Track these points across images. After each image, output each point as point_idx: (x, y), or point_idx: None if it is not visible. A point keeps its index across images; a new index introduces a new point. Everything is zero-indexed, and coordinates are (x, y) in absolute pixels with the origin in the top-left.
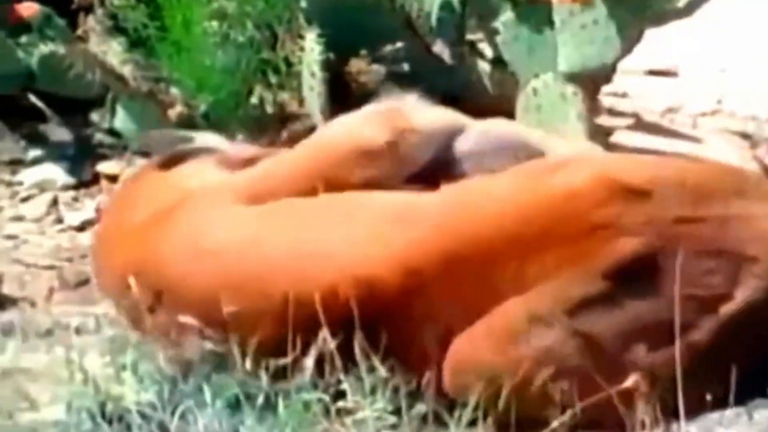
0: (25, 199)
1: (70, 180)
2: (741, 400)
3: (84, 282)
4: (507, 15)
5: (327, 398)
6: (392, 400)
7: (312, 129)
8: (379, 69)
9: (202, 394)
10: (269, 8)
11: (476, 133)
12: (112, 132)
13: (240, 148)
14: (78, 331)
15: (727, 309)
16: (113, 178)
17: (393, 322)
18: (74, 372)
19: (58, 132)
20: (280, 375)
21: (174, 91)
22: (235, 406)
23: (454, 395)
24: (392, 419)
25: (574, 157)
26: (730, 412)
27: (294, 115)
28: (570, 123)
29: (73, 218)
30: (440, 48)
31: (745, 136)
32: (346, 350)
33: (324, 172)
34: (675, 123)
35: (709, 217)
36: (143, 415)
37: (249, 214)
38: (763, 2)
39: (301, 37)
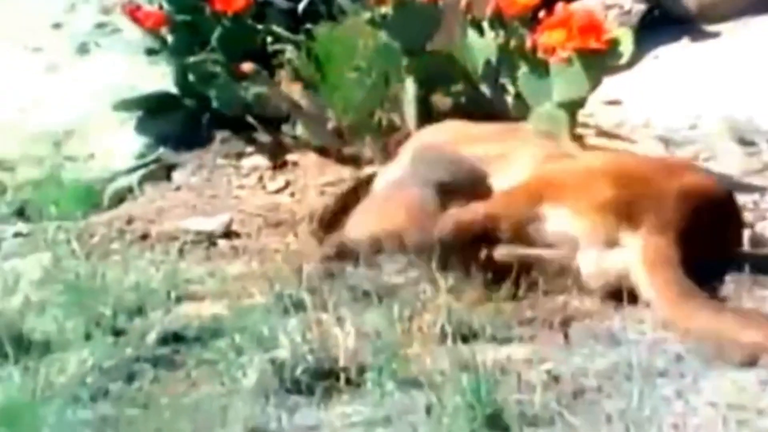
0: (245, 176)
1: (270, 164)
2: None
3: (279, 223)
4: (523, 68)
5: None
6: None
7: (408, 135)
8: (448, 100)
9: None
10: (385, 64)
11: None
12: (294, 137)
13: None
14: None
15: None
16: (294, 164)
17: None
18: None
19: (263, 137)
20: None
21: (330, 113)
22: None
23: None
24: None
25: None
26: None
27: (398, 127)
28: (561, 132)
29: (271, 187)
30: (484, 88)
31: (666, 141)
32: None
33: None
34: (621, 132)
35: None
36: None
37: None
38: (682, 56)
39: (402, 81)
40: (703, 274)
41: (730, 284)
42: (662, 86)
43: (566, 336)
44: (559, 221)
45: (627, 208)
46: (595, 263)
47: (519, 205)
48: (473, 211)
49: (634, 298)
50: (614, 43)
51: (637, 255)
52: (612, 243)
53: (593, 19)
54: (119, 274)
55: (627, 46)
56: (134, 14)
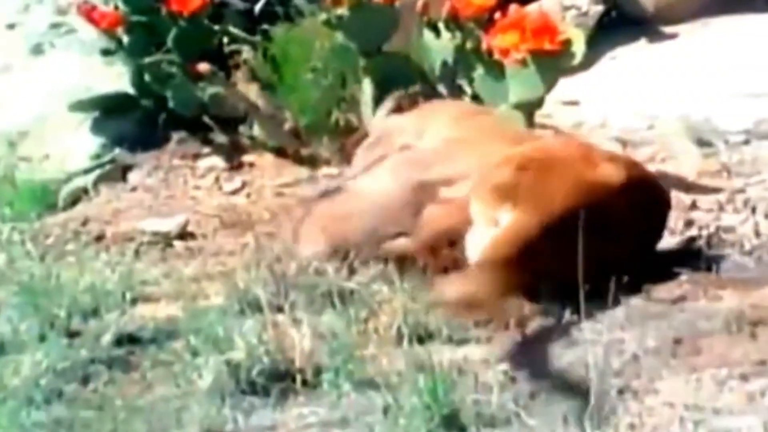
0: (202, 176)
1: (227, 165)
2: None
3: (235, 224)
4: (479, 69)
5: None
6: None
7: (366, 135)
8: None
9: None
10: (342, 65)
11: None
12: (251, 137)
13: None
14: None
15: None
16: (251, 164)
17: None
18: None
19: (220, 137)
20: None
21: (287, 113)
22: None
23: None
24: None
25: None
26: None
27: (355, 127)
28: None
29: (228, 187)
30: (441, 89)
31: (623, 141)
32: None
33: None
34: (579, 133)
35: None
36: None
37: None
38: (640, 57)
39: (359, 81)
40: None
41: (687, 284)
42: (620, 87)
43: (523, 336)
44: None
45: (514, 191)
46: (472, 239)
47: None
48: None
49: (590, 297)
50: (567, 44)
51: (500, 230)
52: (494, 222)
53: (546, 20)
54: (74, 276)
55: (580, 47)
56: (90, 14)
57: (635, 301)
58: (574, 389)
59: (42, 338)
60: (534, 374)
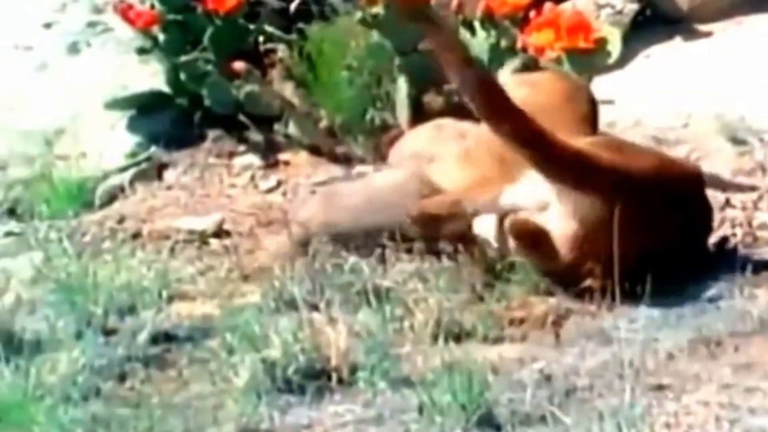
0: (237, 174)
1: (262, 163)
2: None
3: (271, 222)
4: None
5: None
6: None
7: (401, 134)
8: (440, 99)
9: None
10: (377, 63)
11: None
12: (286, 135)
13: None
14: None
15: None
16: (287, 163)
17: None
18: None
19: (255, 135)
20: None
21: (322, 112)
22: None
23: None
24: None
25: None
26: None
27: (390, 126)
28: None
29: (263, 185)
30: None
31: (657, 140)
32: None
33: None
34: (613, 131)
35: None
36: None
37: None
38: (674, 55)
39: (395, 80)
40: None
41: (722, 283)
42: (654, 85)
43: (557, 335)
44: None
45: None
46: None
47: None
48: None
49: (626, 296)
50: (602, 43)
51: None
52: None
53: (581, 18)
54: (111, 273)
55: (615, 46)
56: (126, 13)
57: (671, 300)
58: (610, 388)
59: (78, 336)
60: (569, 373)
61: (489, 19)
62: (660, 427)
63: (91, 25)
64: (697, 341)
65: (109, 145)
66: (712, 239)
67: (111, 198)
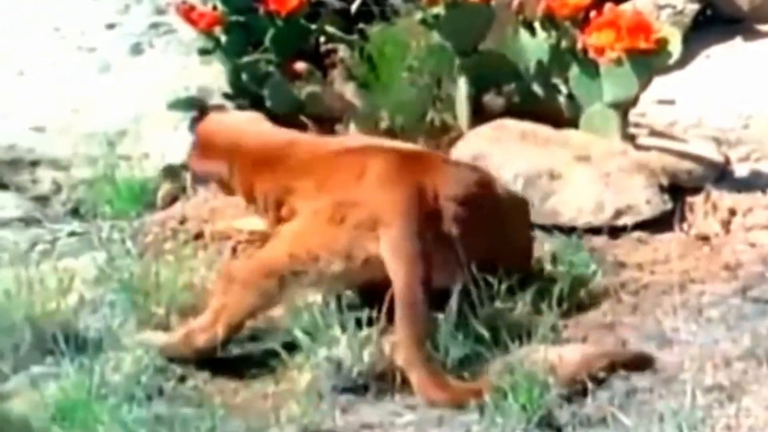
0: None
1: None
2: None
3: None
4: (574, 68)
5: None
6: None
7: (461, 135)
8: (500, 100)
9: None
10: (438, 64)
11: None
12: None
13: None
14: None
15: None
16: None
17: None
18: None
19: None
20: None
21: (382, 112)
22: None
23: None
24: None
25: None
26: None
27: (451, 126)
28: (611, 132)
29: None
30: (536, 88)
31: (718, 141)
32: None
33: None
34: (674, 132)
35: None
36: None
37: None
38: (735, 56)
39: (455, 81)
40: None
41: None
42: (714, 86)
43: (618, 337)
44: None
45: None
46: None
47: None
48: None
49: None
50: (663, 43)
51: None
52: None
53: (641, 19)
54: (173, 274)
55: (676, 46)
56: (188, 15)
57: (731, 302)
58: (670, 389)
59: None
60: (629, 374)
61: (549, 20)
62: (721, 429)
63: (154, 26)
64: (758, 342)
65: (172, 145)
66: None
67: (173, 198)
